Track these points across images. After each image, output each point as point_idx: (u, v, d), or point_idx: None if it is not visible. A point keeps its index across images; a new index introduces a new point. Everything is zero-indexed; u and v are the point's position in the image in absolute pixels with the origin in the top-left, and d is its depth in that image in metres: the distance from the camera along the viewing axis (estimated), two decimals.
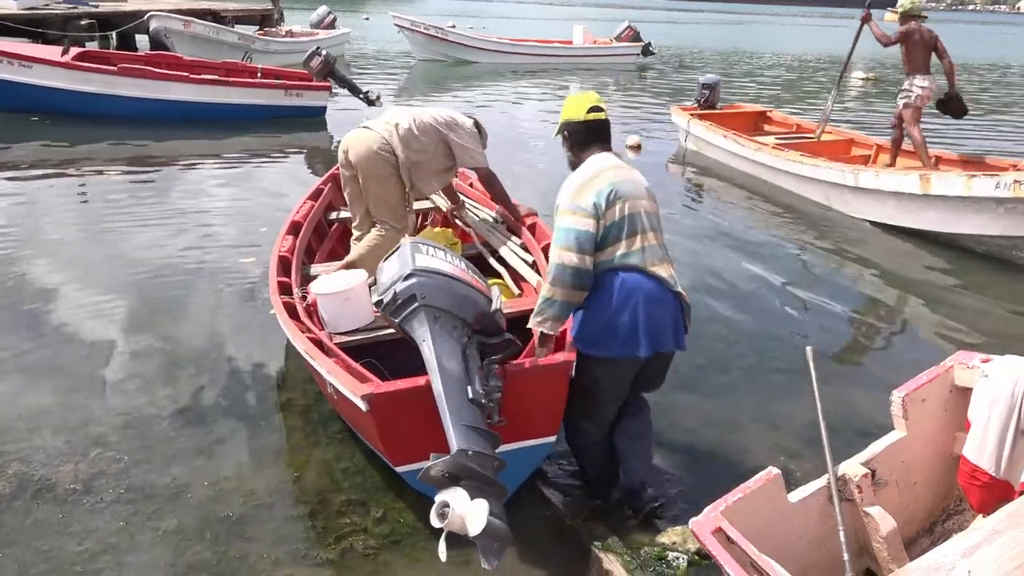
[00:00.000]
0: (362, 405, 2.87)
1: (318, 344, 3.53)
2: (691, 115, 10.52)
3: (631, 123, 12.96)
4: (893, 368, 4.35)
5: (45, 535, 3.03)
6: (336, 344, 3.61)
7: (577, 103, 3.32)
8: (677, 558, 2.99)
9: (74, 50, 11.18)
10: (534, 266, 4.47)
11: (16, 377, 4.15)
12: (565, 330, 3.26)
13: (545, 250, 4.20)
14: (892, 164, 8.35)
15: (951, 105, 8.07)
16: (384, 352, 3.54)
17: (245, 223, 6.81)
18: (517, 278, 4.54)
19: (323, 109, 11.80)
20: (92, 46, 14.86)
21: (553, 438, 3.28)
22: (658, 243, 3.17)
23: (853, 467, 2.68)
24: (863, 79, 21.66)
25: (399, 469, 3.10)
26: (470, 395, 2.71)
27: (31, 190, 7.71)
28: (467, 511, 2.36)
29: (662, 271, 3.11)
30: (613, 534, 3.12)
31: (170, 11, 16.14)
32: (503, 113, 13.47)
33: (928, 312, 5.74)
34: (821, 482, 2.62)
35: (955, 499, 3.00)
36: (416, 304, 2.83)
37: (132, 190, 7.89)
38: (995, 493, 2.64)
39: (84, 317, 4.86)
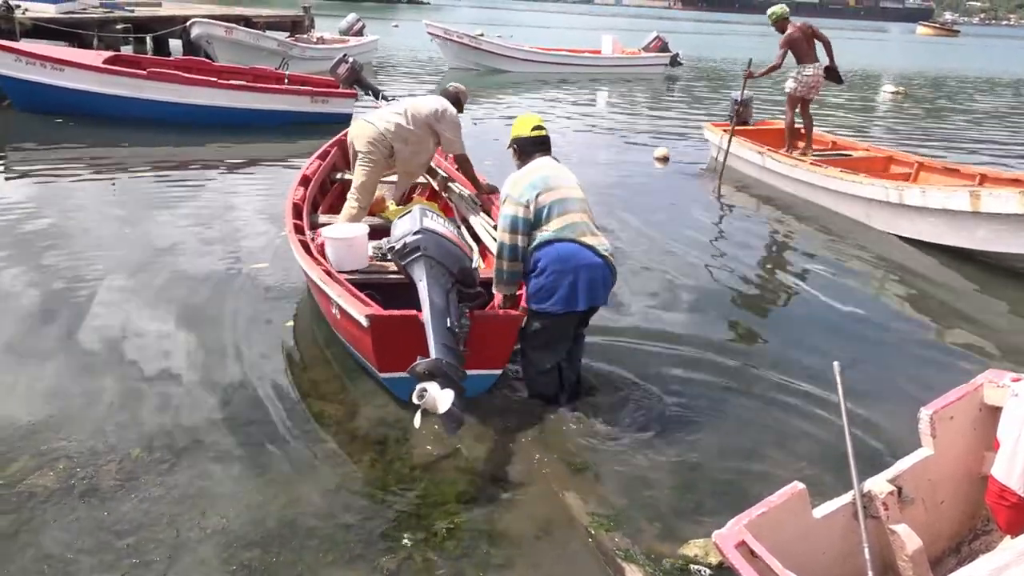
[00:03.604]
0: (364, 322, 3.73)
1: (328, 274, 4.33)
2: (724, 131, 10.41)
3: (658, 135, 12.94)
4: (922, 385, 4.30)
5: (93, 530, 3.07)
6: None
7: (524, 123, 4.27)
8: (699, 571, 2.99)
9: (104, 53, 11.33)
10: None
11: (58, 374, 4.22)
12: (522, 294, 4.12)
13: None
14: (792, 148, 9.61)
15: (829, 74, 9.43)
16: (373, 292, 4.31)
17: (272, 227, 6.84)
18: (484, 251, 5.24)
19: (349, 116, 11.83)
20: (127, 50, 15.10)
21: (500, 371, 4.18)
22: (586, 219, 3.98)
23: (879, 484, 2.66)
24: (893, 92, 21.46)
25: (383, 376, 3.98)
26: (448, 324, 3.61)
27: (56, 192, 7.80)
28: (439, 396, 3.34)
29: (591, 240, 3.92)
30: (635, 545, 3.11)
31: (209, 17, 16.37)
32: None
33: (961, 330, 5.65)
34: (846, 498, 2.61)
35: (982, 519, 2.96)
36: (419, 253, 3.79)
37: (155, 193, 7.97)
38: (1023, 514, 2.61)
39: (110, 319, 4.91)
